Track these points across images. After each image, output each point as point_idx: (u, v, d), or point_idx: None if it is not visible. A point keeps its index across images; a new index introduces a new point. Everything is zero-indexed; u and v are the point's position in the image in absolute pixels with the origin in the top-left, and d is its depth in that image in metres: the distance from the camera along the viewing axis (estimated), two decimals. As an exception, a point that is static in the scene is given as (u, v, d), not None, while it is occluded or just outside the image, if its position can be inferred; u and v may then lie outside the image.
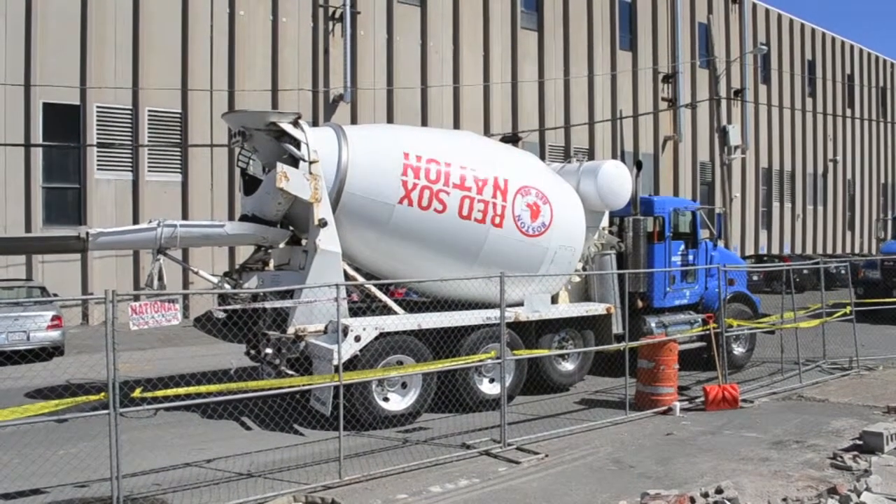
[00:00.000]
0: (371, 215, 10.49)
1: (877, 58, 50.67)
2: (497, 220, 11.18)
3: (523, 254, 11.52)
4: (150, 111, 22.56)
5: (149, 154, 22.65)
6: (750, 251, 39.14)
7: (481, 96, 29.36)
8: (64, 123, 21.49)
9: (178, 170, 23.17)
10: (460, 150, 11.40)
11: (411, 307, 11.71)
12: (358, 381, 9.06)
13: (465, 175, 10.92)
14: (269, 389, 7.94)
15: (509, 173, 11.41)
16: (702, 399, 11.02)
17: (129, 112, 22.29)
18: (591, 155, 31.35)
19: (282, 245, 11.20)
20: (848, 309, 14.30)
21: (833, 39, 46.48)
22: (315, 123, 22.90)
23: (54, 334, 15.13)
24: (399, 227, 10.55)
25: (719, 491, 6.67)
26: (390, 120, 26.32)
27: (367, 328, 9.65)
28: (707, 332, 12.28)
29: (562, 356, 12.15)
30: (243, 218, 10.86)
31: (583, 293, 13.13)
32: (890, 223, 26.33)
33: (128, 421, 9.11)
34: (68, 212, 21.48)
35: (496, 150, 12.36)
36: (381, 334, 9.74)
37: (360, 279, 10.88)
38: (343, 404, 8.04)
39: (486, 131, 27.94)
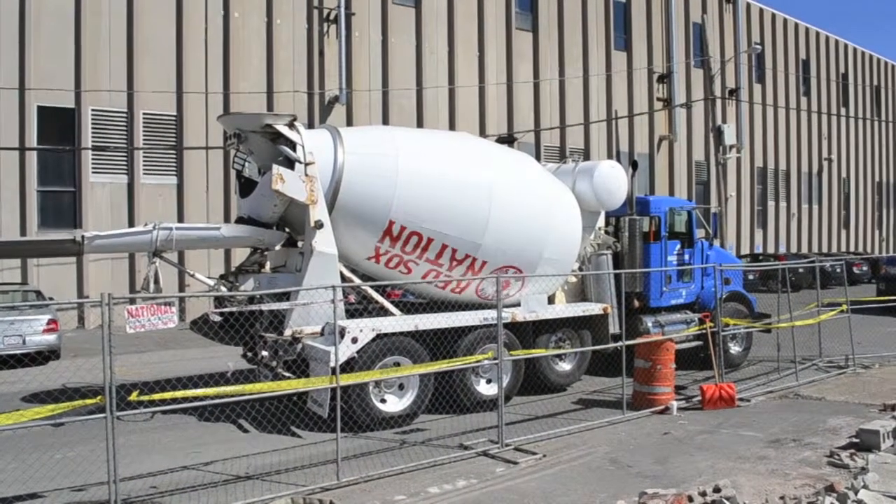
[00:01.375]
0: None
1: (871, 56, 50.79)
2: (458, 290, 11.29)
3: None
4: (144, 114, 22.52)
5: (144, 157, 22.60)
6: (745, 250, 39.21)
7: (476, 97, 29.36)
8: (59, 127, 21.43)
9: (174, 173, 23.13)
10: (455, 211, 10.79)
11: (408, 308, 11.70)
12: (355, 383, 9.06)
13: (443, 252, 10.82)
14: (267, 392, 7.93)
15: (493, 255, 11.12)
16: (699, 398, 11.04)
17: (124, 115, 22.24)
18: (586, 155, 31.35)
19: (278, 247, 11.16)
20: (844, 307, 14.34)
21: (827, 38, 46.59)
22: (310, 125, 22.86)
23: (50, 338, 15.08)
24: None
25: (717, 490, 6.68)
26: (386, 121, 26.31)
27: (364, 330, 9.65)
28: (704, 331, 12.30)
29: (559, 356, 12.15)
30: (239, 220, 10.85)
31: (579, 293, 13.14)
32: None
33: (125, 424, 9.09)
34: (64, 215, 21.43)
35: (499, 215, 11.12)
36: (377, 336, 9.73)
37: (357, 281, 10.88)
38: (340, 406, 8.03)
39: (482, 132, 27.94)
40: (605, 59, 33.83)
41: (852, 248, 47.65)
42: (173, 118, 23.04)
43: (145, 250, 10.26)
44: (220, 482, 7.69)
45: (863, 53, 49.97)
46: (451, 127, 27.79)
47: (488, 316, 10.43)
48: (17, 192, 20.68)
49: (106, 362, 6.30)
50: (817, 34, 45.82)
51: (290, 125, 10.38)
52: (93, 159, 21.82)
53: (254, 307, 9.78)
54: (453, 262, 10.98)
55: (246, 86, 23.94)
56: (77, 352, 15.58)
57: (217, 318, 10.31)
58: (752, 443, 8.89)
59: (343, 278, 10.48)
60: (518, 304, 11.21)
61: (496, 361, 9.30)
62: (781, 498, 6.70)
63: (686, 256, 14.02)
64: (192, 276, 11.24)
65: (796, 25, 44.29)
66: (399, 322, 10.14)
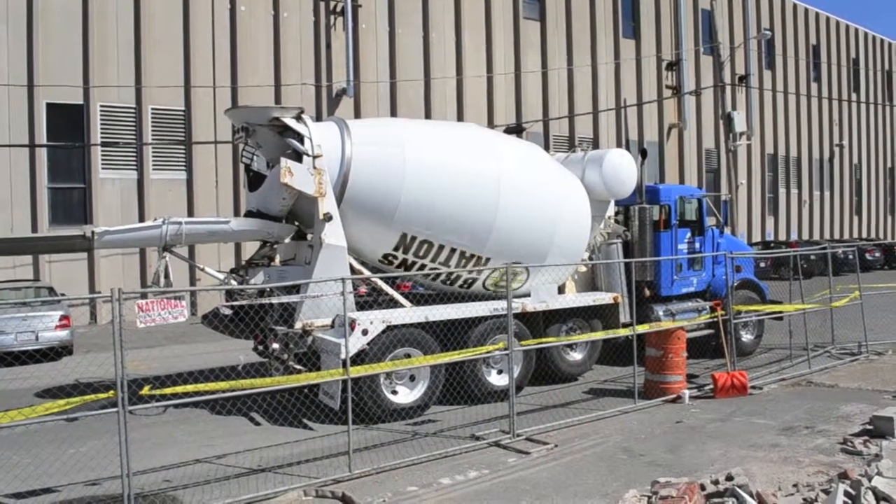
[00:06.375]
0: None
1: (882, 41, 50.26)
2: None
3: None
4: (153, 109, 22.56)
5: (153, 152, 22.66)
6: (757, 238, 38.99)
7: (484, 87, 29.26)
8: (68, 123, 21.49)
9: (183, 167, 23.19)
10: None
11: (418, 300, 11.69)
12: (366, 375, 9.07)
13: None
14: (278, 385, 7.94)
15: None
16: (711, 386, 11.00)
17: (132, 111, 22.28)
18: (595, 144, 31.20)
19: (287, 240, 11.20)
20: (856, 294, 14.24)
21: (838, 23, 46.12)
22: (318, 118, 22.83)
23: (63, 334, 15.17)
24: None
25: (729, 478, 6.65)
26: (394, 113, 26.27)
27: (375, 321, 9.66)
28: (715, 319, 12.25)
29: (570, 346, 12.13)
30: (248, 214, 10.87)
31: (590, 283, 13.11)
32: None
33: (137, 418, 9.13)
34: (74, 211, 21.53)
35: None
36: (388, 327, 9.74)
37: (367, 273, 10.86)
38: (352, 398, 8.05)
39: (490, 122, 27.85)
40: (614, 48, 33.62)
41: (865, 235, 47.30)
42: (181, 113, 23.07)
43: (155, 245, 10.31)
44: (233, 475, 7.72)
45: (874, 38, 49.44)
46: (459, 118, 27.71)
47: (498, 306, 10.41)
48: (27, 189, 20.78)
49: (117, 357, 6.33)
50: (827, 19, 45.36)
51: (298, 118, 10.38)
52: (102, 155, 21.89)
53: (264, 300, 9.80)
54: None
55: (254, 79, 23.92)
56: (89, 347, 15.67)
57: (228, 312, 10.35)
58: (765, 430, 8.85)
59: (353, 270, 10.48)
60: (528, 295, 11.18)
61: (507, 352, 9.29)
62: (794, 485, 6.67)
63: (697, 244, 13.95)
64: (203, 270, 11.29)
65: (806, 11, 43.86)
66: (409, 313, 10.13)
